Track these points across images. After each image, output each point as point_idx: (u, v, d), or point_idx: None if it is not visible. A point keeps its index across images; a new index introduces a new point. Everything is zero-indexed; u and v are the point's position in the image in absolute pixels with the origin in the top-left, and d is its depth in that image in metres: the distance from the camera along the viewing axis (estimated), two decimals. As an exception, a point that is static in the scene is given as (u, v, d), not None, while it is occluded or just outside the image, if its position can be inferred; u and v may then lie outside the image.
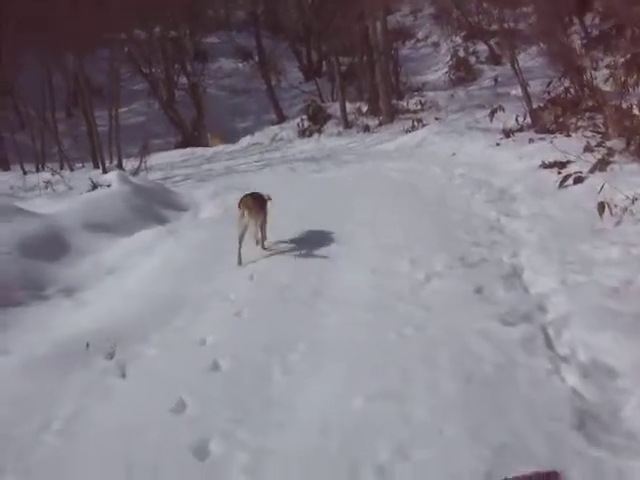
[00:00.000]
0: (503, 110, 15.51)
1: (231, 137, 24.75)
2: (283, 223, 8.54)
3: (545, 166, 10.21)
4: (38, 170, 19.73)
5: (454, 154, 13.68)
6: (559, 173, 9.64)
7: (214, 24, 32.22)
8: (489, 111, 18.56)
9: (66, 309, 6.83)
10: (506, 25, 29.60)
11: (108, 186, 12.79)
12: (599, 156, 9.52)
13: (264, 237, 7.90)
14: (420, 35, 32.45)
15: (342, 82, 22.73)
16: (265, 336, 5.46)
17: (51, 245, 8.68)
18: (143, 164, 16.92)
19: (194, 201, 12.97)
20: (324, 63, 30.00)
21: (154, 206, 12.17)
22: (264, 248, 7.83)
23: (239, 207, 7.49)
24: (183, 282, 7.17)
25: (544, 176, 9.79)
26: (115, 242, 9.18)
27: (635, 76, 11.71)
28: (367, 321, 5.49)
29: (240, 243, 7.45)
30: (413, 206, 9.43)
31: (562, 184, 8.96)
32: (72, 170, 19.56)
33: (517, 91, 22.87)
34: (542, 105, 14.93)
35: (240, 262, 7.46)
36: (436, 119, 19.92)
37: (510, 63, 14.95)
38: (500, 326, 5.07)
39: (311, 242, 8.01)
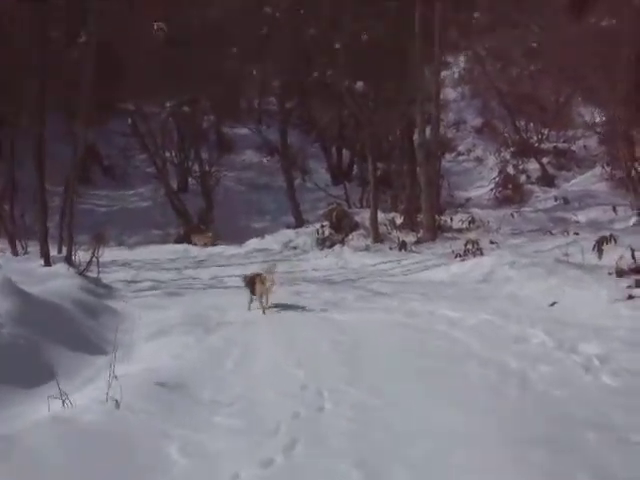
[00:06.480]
0: (615, 241, 9.49)
1: (242, 237, 18.88)
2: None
3: None
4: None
5: (554, 304, 7.65)
6: None
7: (244, 115, 26.87)
8: (566, 238, 13.10)
9: None
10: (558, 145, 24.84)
11: (-14, 297, 7.17)
12: None
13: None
14: (462, 148, 27.16)
15: (376, 185, 16.92)
16: None
17: None
18: (95, 259, 10.97)
19: (128, 336, 7.49)
20: (355, 166, 24.53)
21: (45, 345, 6.83)
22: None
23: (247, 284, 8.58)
24: None
25: None
26: None
27: None
28: None
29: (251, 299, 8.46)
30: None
31: None
32: (16, 255, 13.74)
33: (585, 217, 17.39)
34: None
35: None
36: (491, 243, 14.05)
37: (625, 169, 9.11)
38: None
39: None
